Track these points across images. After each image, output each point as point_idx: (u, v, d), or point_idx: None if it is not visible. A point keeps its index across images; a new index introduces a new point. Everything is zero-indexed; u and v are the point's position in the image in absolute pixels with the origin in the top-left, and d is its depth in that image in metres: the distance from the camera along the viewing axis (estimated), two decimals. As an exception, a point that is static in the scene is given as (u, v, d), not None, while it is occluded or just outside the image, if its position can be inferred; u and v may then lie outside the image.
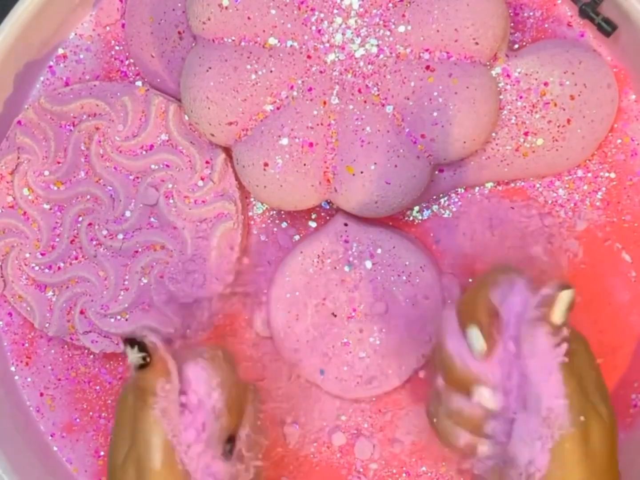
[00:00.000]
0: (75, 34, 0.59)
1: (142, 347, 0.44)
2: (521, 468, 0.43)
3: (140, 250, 0.56)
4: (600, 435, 0.43)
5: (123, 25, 0.59)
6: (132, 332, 0.45)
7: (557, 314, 0.43)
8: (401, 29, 0.51)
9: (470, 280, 0.55)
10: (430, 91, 0.51)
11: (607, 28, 0.55)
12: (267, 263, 0.58)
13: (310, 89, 0.52)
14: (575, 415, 0.42)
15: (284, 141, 0.51)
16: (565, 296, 0.43)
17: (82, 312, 0.56)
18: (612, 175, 0.57)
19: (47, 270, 0.56)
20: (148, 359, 0.44)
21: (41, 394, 0.59)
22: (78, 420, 0.58)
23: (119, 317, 0.55)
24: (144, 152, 0.56)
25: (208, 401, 0.45)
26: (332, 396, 0.56)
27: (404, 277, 0.55)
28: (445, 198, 0.57)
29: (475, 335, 0.44)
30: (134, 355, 0.44)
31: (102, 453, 0.58)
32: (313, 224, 0.58)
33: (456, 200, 0.57)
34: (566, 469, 0.42)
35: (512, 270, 0.46)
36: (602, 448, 0.44)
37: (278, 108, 0.52)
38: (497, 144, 0.54)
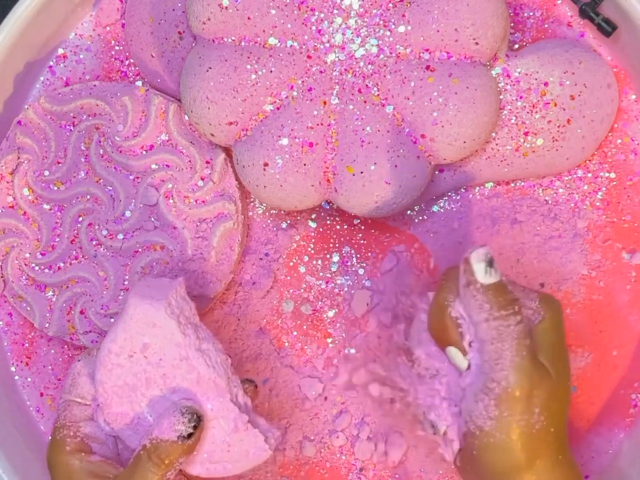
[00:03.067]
0: (75, 34, 0.59)
1: (197, 421, 0.46)
2: (469, 423, 0.45)
3: (140, 250, 0.56)
4: (546, 394, 0.44)
5: (123, 25, 0.59)
6: (191, 404, 0.46)
7: (479, 274, 0.44)
8: (401, 29, 0.51)
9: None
10: (430, 91, 0.51)
11: (607, 28, 0.55)
12: (266, 261, 0.58)
13: (310, 89, 0.52)
14: (517, 374, 0.44)
15: (284, 141, 0.51)
16: (475, 256, 0.45)
17: (82, 312, 0.56)
18: (612, 175, 0.57)
19: (47, 270, 0.56)
20: (192, 433, 0.46)
21: (41, 394, 0.59)
22: (78, 420, 0.58)
23: (119, 317, 0.55)
24: (144, 152, 0.56)
25: None
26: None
27: None
28: (445, 198, 0.57)
29: (454, 354, 0.47)
30: (185, 427, 0.45)
31: (102, 453, 0.58)
32: (313, 224, 0.58)
33: (456, 200, 0.57)
34: (505, 427, 0.44)
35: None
36: (545, 407, 0.44)
37: (278, 108, 0.52)
38: (497, 144, 0.54)
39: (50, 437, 0.48)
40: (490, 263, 0.44)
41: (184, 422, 0.45)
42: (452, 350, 0.47)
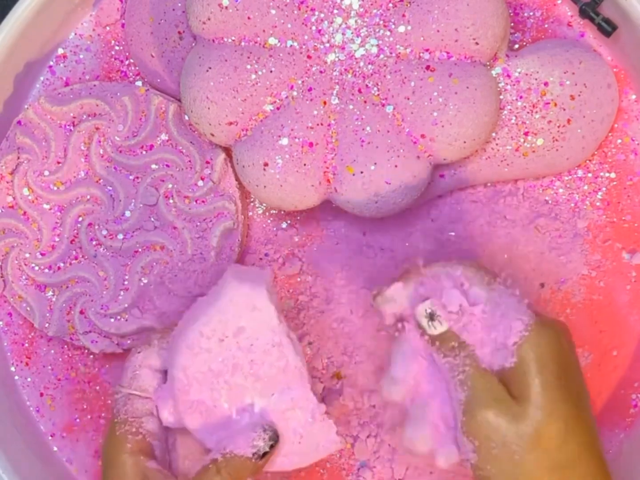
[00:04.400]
0: (75, 34, 0.59)
1: (275, 440, 0.46)
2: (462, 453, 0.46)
3: (140, 250, 0.56)
4: (515, 435, 0.44)
5: (123, 25, 0.59)
6: (272, 423, 0.47)
7: (425, 327, 0.46)
8: (401, 29, 0.51)
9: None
10: (430, 91, 0.51)
11: (607, 28, 0.55)
12: (266, 261, 0.58)
13: (310, 89, 0.52)
14: (476, 419, 0.44)
15: (284, 141, 0.51)
16: (418, 311, 0.46)
17: (82, 312, 0.56)
18: (612, 175, 0.57)
19: (47, 270, 0.56)
20: (267, 452, 0.46)
21: (41, 394, 0.59)
22: (78, 420, 0.58)
23: (119, 317, 0.55)
24: (144, 152, 0.56)
25: None
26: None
27: None
28: (445, 198, 0.57)
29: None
30: (265, 443, 0.46)
31: (102, 453, 0.58)
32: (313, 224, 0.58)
33: (456, 200, 0.57)
34: (486, 462, 0.44)
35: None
36: (519, 446, 0.44)
37: (278, 108, 0.52)
38: (497, 144, 0.54)
39: (108, 433, 0.48)
40: (431, 317, 0.46)
41: (264, 439, 0.46)
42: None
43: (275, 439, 0.46)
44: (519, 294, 0.46)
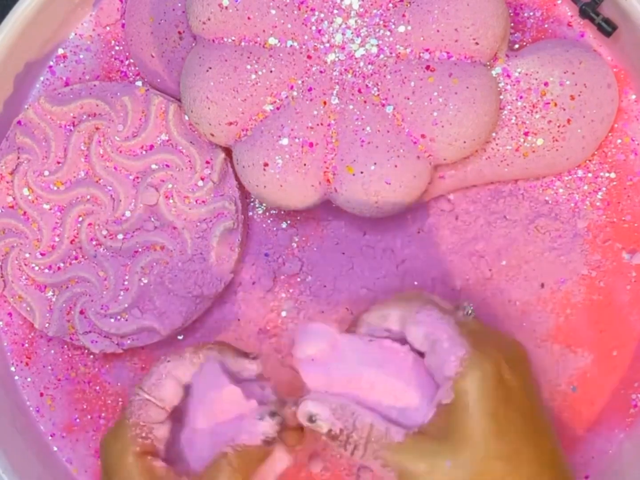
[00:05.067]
0: (75, 34, 0.59)
1: (282, 423, 0.45)
2: None
3: (140, 250, 0.56)
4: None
5: (123, 25, 0.59)
6: (276, 409, 0.46)
7: (312, 427, 0.44)
8: (401, 29, 0.51)
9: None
10: (430, 91, 0.51)
11: (607, 28, 0.55)
12: (266, 261, 0.58)
13: (310, 89, 0.52)
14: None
15: (284, 141, 0.51)
16: (300, 415, 0.44)
17: (82, 312, 0.56)
18: (612, 175, 0.57)
19: (47, 270, 0.56)
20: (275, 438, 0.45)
21: (41, 394, 0.59)
22: (78, 420, 0.58)
23: (119, 317, 0.55)
24: (144, 152, 0.56)
25: None
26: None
27: None
28: (445, 198, 0.57)
29: None
30: (273, 429, 0.45)
31: (102, 453, 0.58)
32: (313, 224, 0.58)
33: (456, 200, 0.57)
34: None
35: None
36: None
37: (278, 108, 0.52)
38: (497, 144, 0.54)
39: (114, 432, 0.47)
40: (310, 419, 0.44)
41: (272, 426, 0.45)
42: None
43: (282, 423, 0.45)
44: (452, 322, 0.45)
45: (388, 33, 0.52)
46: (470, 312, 0.46)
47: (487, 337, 0.45)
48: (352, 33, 0.52)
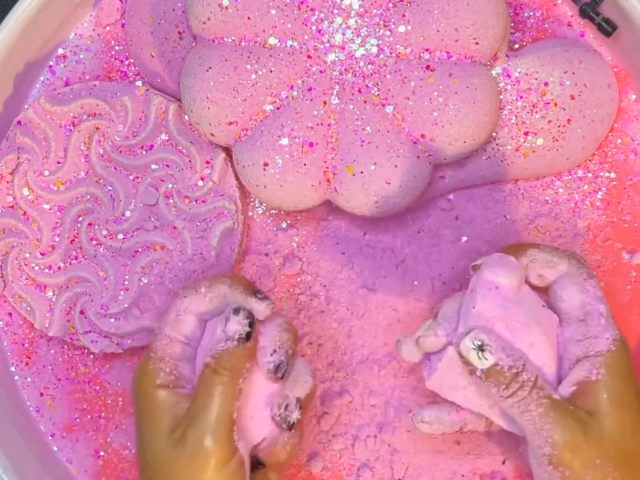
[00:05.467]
0: (75, 34, 0.59)
1: (251, 317, 0.45)
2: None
3: (140, 250, 0.56)
4: (597, 444, 0.44)
5: (123, 25, 0.59)
6: (239, 304, 0.46)
7: (475, 363, 0.44)
8: (401, 28, 0.51)
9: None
10: (431, 91, 0.51)
11: (607, 28, 0.55)
12: (266, 261, 0.58)
13: (310, 89, 0.52)
14: (557, 439, 0.43)
15: (284, 141, 0.51)
16: (464, 347, 0.44)
17: (82, 312, 0.56)
18: (612, 175, 0.57)
19: (47, 270, 0.56)
20: (248, 334, 0.45)
21: (41, 394, 0.59)
22: (78, 420, 0.58)
23: (119, 317, 0.55)
24: (144, 152, 0.56)
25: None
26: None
27: None
28: (445, 198, 0.57)
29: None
30: (242, 325, 0.45)
31: (102, 453, 0.58)
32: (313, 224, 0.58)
33: (456, 200, 0.57)
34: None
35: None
36: (606, 457, 0.43)
37: (278, 108, 0.52)
38: (497, 144, 0.54)
39: (141, 365, 0.47)
40: (480, 348, 0.44)
41: (239, 322, 0.45)
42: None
43: (250, 317, 0.45)
44: (605, 302, 0.46)
45: (388, 33, 0.52)
46: None
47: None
48: (352, 33, 0.52)
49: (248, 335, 0.45)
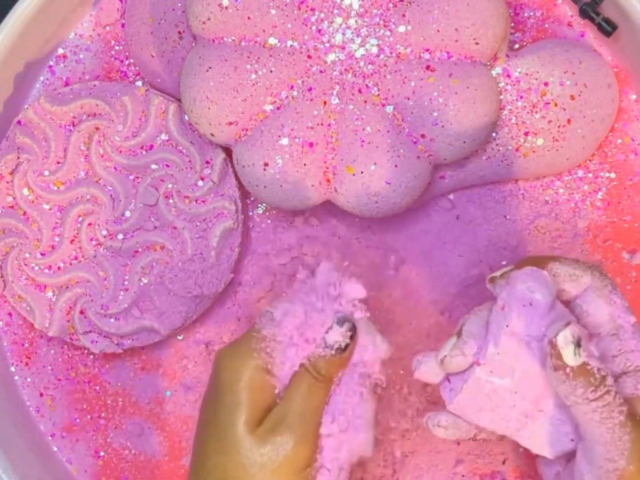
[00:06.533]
0: (75, 34, 0.59)
1: (353, 331, 0.45)
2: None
3: (140, 250, 0.56)
4: None
5: (123, 25, 0.59)
6: (345, 314, 0.46)
7: (568, 358, 0.41)
8: (401, 29, 0.51)
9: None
10: (431, 91, 0.51)
11: (607, 28, 0.55)
12: (266, 261, 0.58)
13: (310, 89, 0.52)
14: (628, 453, 0.41)
15: (284, 141, 0.51)
16: (563, 339, 0.41)
17: (82, 312, 0.56)
18: (613, 175, 0.57)
19: (47, 270, 0.56)
20: (349, 344, 0.45)
21: (41, 394, 0.59)
22: (78, 420, 0.58)
23: (119, 317, 0.55)
24: (144, 152, 0.56)
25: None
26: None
27: None
28: (445, 198, 0.57)
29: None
30: (343, 337, 0.45)
31: (102, 453, 0.58)
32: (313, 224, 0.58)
33: (456, 200, 0.57)
34: None
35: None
36: None
37: (278, 108, 0.52)
38: (497, 144, 0.54)
39: (236, 344, 0.46)
40: (578, 343, 0.41)
41: (342, 333, 0.45)
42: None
43: (353, 329, 0.45)
44: (632, 312, 0.45)
45: (388, 33, 0.52)
46: None
47: None
48: (352, 33, 0.52)
49: (346, 347, 0.46)
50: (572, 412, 0.42)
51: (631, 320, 0.44)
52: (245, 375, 0.45)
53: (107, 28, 0.59)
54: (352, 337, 0.46)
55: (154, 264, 0.55)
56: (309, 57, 0.52)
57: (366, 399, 0.47)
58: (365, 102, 0.52)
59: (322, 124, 0.52)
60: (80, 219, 0.56)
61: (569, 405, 0.42)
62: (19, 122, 0.56)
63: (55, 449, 0.59)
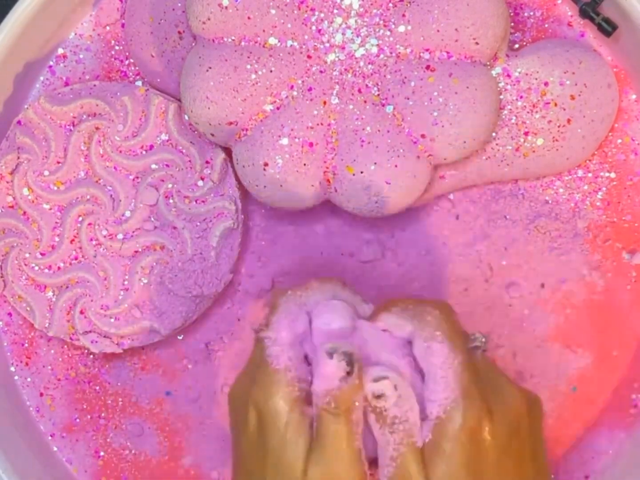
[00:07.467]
0: (75, 34, 0.59)
1: (347, 356, 0.42)
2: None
3: (140, 250, 0.56)
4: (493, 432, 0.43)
5: (123, 25, 0.59)
6: (333, 345, 0.43)
7: (377, 404, 0.43)
8: (401, 28, 0.51)
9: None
10: (431, 91, 0.51)
11: (607, 28, 0.55)
12: (266, 261, 0.58)
13: (310, 89, 0.52)
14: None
15: (284, 141, 0.51)
16: (373, 389, 0.42)
17: (82, 312, 0.56)
18: (613, 175, 0.57)
19: (47, 270, 0.56)
20: (349, 372, 0.42)
21: (41, 394, 0.59)
22: (78, 420, 0.58)
23: (119, 317, 0.55)
24: (144, 152, 0.56)
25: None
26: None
27: None
28: (445, 198, 0.57)
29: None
30: (338, 368, 0.42)
31: (102, 453, 0.58)
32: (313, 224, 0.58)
33: (456, 200, 0.57)
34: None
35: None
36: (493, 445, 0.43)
37: (278, 108, 0.52)
38: (497, 144, 0.54)
39: (260, 376, 0.44)
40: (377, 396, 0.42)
41: (336, 365, 0.42)
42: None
43: (346, 356, 0.42)
44: (455, 362, 0.44)
45: (388, 33, 0.52)
46: (482, 345, 0.46)
47: (486, 384, 0.44)
48: (352, 33, 0.52)
49: (349, 372, 0.42)
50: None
51: (443, 372, 0.44)
52: (276, 411, 0.43)
53: (107, 28, 0.59)
54: (350, 362, 0.42)
55: (154, 264, 0.55)
56: (309, 57, 0.52)
57: None
58: (365, 102, 0.52)
59: (322, 124, 0.52)
60: (80, 219, 0.56)
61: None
62: (19, 122, 0.56)
63: (55, 449, 0.59)
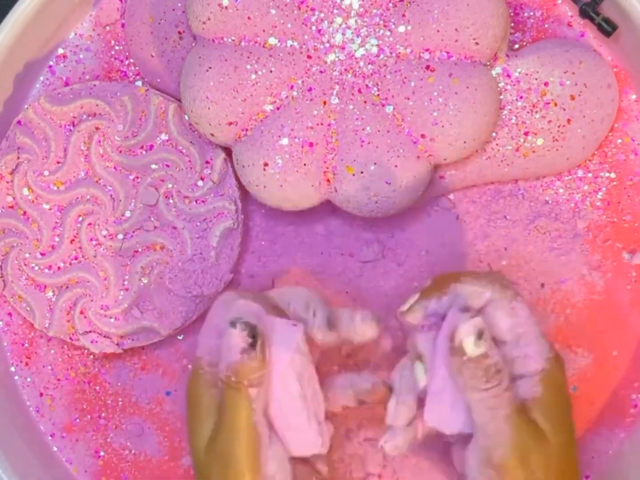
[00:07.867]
0: (75, 34, 0.59)
1: (251, 328, 0.43)
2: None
3: (140, 250, 0.56)
4: (544, 457, 0.44)
5: (123, 25, 0.59)
6: (237, 315, 0.44)
7: (468, 347, 0.43)
8: (401, 29, 0.51)
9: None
10: (431, 91, 0.51)
11: (607, 28, 0.55)
12: (266, 261, 0.58)
13: (310, 89, 0.52)
14: (510, 445, 0.43)
15: (284, 141, 0.51)
16: (465, 330, 0.43)
17: (82, 312, 0.56)
18: (613, 175, 0.57)
19: (47, 270, 0.56)
20: (252, 344, 0.43)
21: (41, 394, 0.59)
22: (78, 420, 0.58)
23: (119, 317, 0.55)
24: (144, 152, 0.56)
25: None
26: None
27: None
28: (445, 198, 0.57)
29: (419, 370, 0.47)
30: (242, 339, 0.43)
31: (102, 453, 0.58)
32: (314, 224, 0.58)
33: (456, 200, 0.57)
34: None
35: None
36: (546, 470, 0.44)
37: (278, 108, 0.52)
38: (497, 144, 0.54)
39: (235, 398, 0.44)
40: (479, 335, 0.43)
41: (238, 334, 0.43)
42: (419, 367, 0.47)
43: (249, 328, 0.43)
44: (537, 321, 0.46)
45: (388, 33, 0.52)
46: None
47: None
48: (352, 33, 0.52)
49: (252, 345, 0.43)
50: (466, 397, 0.44)
51: (530, 328, 0.46)
52: (199, 396, 0.46)
53: (107, 28, 0.59)
54: (254, 336, 0.43)
55: (154, 264, 0.55)
56: (309, 57, 0.52)
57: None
58: (365, 102, 0.52)
59: (322, 124, 0.52)
60: (80, 219, 0.56)
61: (463, 391, 0.44)
62: (19, 122, 0.56)
63: (55, 449, 0.59)
